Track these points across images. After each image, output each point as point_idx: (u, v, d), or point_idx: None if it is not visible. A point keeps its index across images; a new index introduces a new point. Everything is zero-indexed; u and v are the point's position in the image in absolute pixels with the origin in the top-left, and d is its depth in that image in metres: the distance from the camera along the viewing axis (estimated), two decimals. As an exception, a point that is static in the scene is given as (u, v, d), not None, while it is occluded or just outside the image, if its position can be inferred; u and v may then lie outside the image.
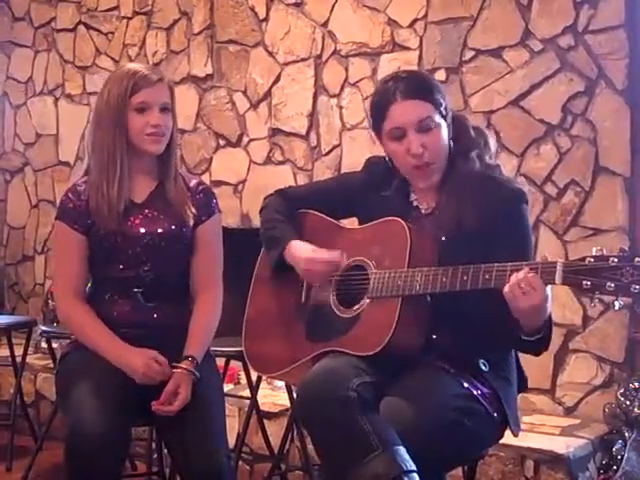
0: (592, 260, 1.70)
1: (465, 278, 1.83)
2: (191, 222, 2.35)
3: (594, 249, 1.72)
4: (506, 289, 1.78)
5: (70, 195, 2.34)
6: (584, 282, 1.70)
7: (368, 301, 1.99)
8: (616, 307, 1.69)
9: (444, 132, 2.02)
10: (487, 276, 1.81)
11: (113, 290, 2.32)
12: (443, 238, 2.00)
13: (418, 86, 2.02)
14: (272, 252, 2.18)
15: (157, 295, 2.31)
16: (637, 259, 1.65)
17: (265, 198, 2.33)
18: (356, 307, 2.02)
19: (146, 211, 2.33)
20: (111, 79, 2.33)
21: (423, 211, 2.09)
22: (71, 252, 2.31)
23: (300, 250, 2.11)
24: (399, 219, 2.00)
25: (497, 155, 2.09)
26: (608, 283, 1.67)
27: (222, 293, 2.42)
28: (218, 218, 2.43)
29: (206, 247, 2.38)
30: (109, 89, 2.29)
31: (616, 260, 1.67)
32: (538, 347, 1.92)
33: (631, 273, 1.65)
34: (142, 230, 2.31)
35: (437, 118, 2.00)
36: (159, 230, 2.32)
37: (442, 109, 2.02)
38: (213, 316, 2.38)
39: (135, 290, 2.30)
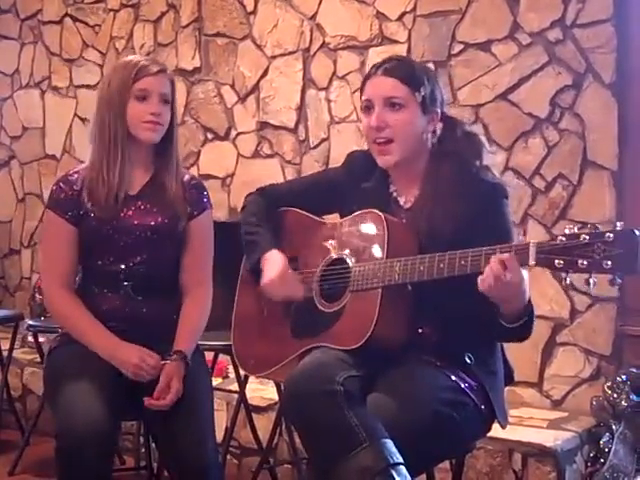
0: (564, 239, 1.68)
1: (442, 265, 1.83)
2: (185, 217, 2.34)
3: (566, 228, 1.70)
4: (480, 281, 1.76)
5: (61, 184, 2.32)
6: (556, 261, 1.68)
7: (350, 295, 1.99)
8: (591, 285, 1.66)
9: (415, 118, 2.02)
10: (463, 262, 1.81)
11: (102, 283, 2.31)
12: (422, 233, 1.99)
13: (400, 68, 2.04)
14: (251, 257, 2.17)
15: (147, 289, 2.30)
16: (608, 235, 1.63)
17: (246, 197, 2.32)
18: (339, 301, 2.02)
19: (139, 203, 2.32)
20: (114, 69, 2.34)
21: (402, 204, 2.09)
22: (61, 242, 2.30)
23: (270, 265, 2.10)
24: (376, 211, 2.01)
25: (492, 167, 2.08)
26: (580, 260, 1.65)
27: (212, 289, 2.41)
28: (209, 214, 2.42)
29: (197, 243, 2.37)
30: (111, 78, 2.30)
31: (587, 237, 1.65)
32: (522, 333, 1.91)
33: (602, 249, 1.63)
34: (135, 222, 2.29)
35: (410, 102, 2.01)
36: (152, 223, 2.31)
37: (421, 97, 2.01)
38: (203, 313, 2.38)
39: (125, 283, 2.29)
